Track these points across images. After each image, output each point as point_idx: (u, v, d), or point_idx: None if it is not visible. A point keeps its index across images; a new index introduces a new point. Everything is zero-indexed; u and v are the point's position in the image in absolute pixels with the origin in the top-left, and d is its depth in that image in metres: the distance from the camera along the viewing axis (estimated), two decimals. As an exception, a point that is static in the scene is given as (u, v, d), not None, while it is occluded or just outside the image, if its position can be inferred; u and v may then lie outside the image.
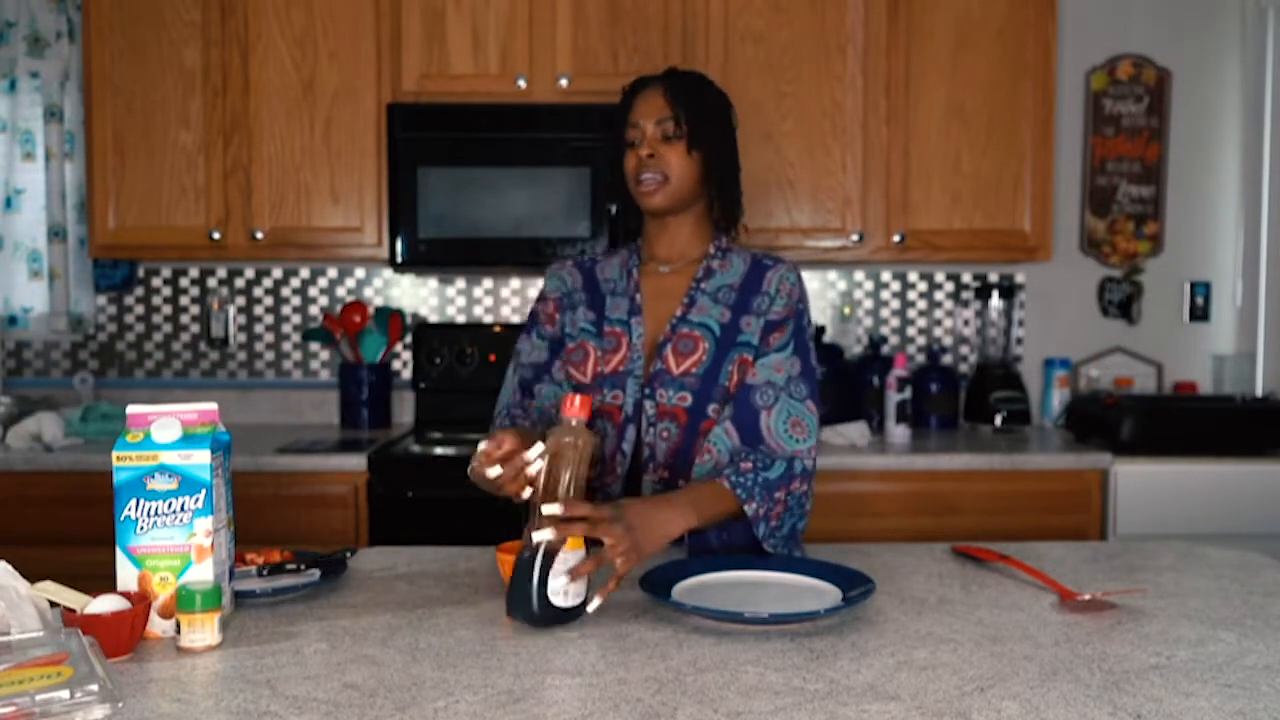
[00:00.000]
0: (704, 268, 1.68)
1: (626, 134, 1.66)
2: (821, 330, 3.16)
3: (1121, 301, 3.31)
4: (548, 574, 1.20)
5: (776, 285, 1.65)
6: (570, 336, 1.70)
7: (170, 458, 1.19)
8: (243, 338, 3.28)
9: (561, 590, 1.21)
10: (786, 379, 1.58)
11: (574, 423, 1.24)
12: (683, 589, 1.33)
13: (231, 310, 3.27)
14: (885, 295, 3.31)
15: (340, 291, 3.28)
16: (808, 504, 1.57)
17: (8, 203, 3.16)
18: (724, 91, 1.72)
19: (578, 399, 1.25)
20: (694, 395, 1.60)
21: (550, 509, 1.22)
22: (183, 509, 1.19)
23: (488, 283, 3.28)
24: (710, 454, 1.55)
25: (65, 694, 0.90)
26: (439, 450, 2.79)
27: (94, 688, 0.92)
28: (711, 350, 1.61)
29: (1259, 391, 3.25)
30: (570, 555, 1.22)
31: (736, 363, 1.60)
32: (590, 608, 1.24)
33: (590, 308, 1.71)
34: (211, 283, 3.27)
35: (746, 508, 1.46)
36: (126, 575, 1.18)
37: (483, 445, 1.36)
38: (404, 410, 3.27)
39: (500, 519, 2.58)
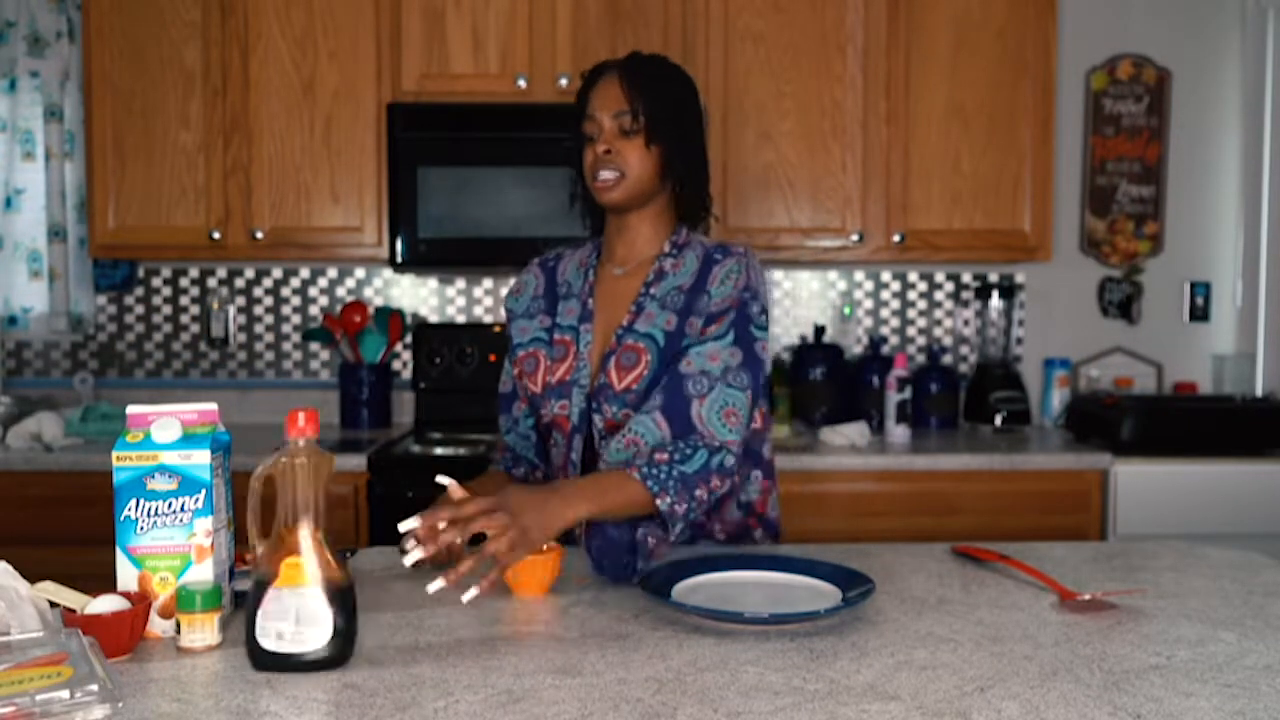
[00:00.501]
0: (656, 269, 1.60)
1: (584, 126, 1.58)
2: (821, 330, 3.16)
3: (1121, 301, 3.31)
4: (256, 614, 1.06)
5: (721, 279, 1.55)
6: (521, 345, 1.66)
7: (170, 458, 1.18)
8: (243, 338, 3.28)
9: (275, 633, 1.06)
10: (724, 369, 1.49)
11: (301, 443, 1.09)
12: (683, 589, 1.33)
13: (231, 310, 3.27)
14: (885, 295, 3.31)
15: (340, 291, 3.28)
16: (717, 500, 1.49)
17: (8, 203, 3.16)
18: (689, 75, 1.64)
19: (301, 415, 1.10)
20: (636, 411, 1.52)
21: (407, 524, 1.16)
22: (183, 509, 1.19)
23: (488, 283, 3.28)
24: (634, 443, 1.46)
25: (65, 694, 0.90)
26: (439, 450, 2.79)
27: (94, 688, 0.92)
28: (654, 364, 1.53)
29: (1259, 391, 3.25)
30: (288, 593, 1.06)
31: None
32: (465, 598, 1.19)
33: (547, 313, 1.66)
34: (211, 283, 3.27)
35: (660, 502, 1.37)
36: (126, 575, 1.18)
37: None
38: (404, 410, 3.27)
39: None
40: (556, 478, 1.62)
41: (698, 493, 1.41)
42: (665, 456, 1.41)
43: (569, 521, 1.30)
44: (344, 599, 1.08)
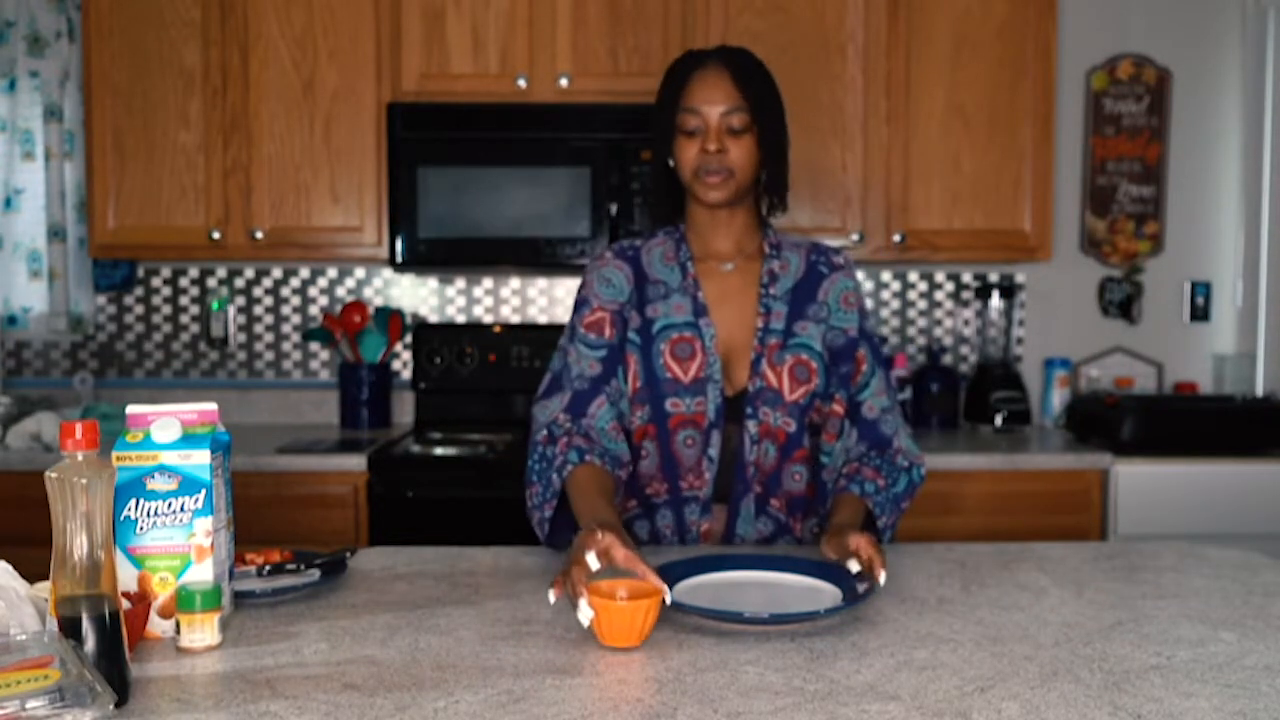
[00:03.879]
0: (767, 271, 1.64)
1: (682, 119, 1.55)
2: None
3: (1121, 301, 3.31)
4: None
5: (836, 296, 1.66)
6: (616, 344, 1.63)
7: (170, 458, 1.18)
8: (243, 338, 3.28)
9: None
10: (890, 401, 1.67)
11: (80, 457, 0.98)
12: (683, 589, 1.33)
13: (231, 310, 3.26)
14: (885, 295, 3.31)
15: (340, 291, 3.28)
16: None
17: (7, 203, 3.16)
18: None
19: (79, 427, 0.98)
20: (789, 415, 1.64)
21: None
22: (182, 509, 1.18)
23: (488, 283, 3.28)
24: (859, 482, 1.58)
25: (56, 696, 0.90)
26: (439, 450, 2.79)
27: (84, 690, 0.91)
28: (820, 374, 1.64)
29: (1259, 391, 3.25)
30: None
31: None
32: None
33: (637, 310, 1.64)
34: (211, 283, 3.27)
35: (879, 522, 1.56)
36: (126, 575, 1.18)
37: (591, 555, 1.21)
38: (404, 410, 3.27)
39: (500, 519, 2.59)
40: (690, 473, 1.62)
41: (903, 505, 1.61)
42: (884, 483, 1.58)
43: None
44: (106, 633, 0.97)
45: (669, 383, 1.60)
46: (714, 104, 1.54)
